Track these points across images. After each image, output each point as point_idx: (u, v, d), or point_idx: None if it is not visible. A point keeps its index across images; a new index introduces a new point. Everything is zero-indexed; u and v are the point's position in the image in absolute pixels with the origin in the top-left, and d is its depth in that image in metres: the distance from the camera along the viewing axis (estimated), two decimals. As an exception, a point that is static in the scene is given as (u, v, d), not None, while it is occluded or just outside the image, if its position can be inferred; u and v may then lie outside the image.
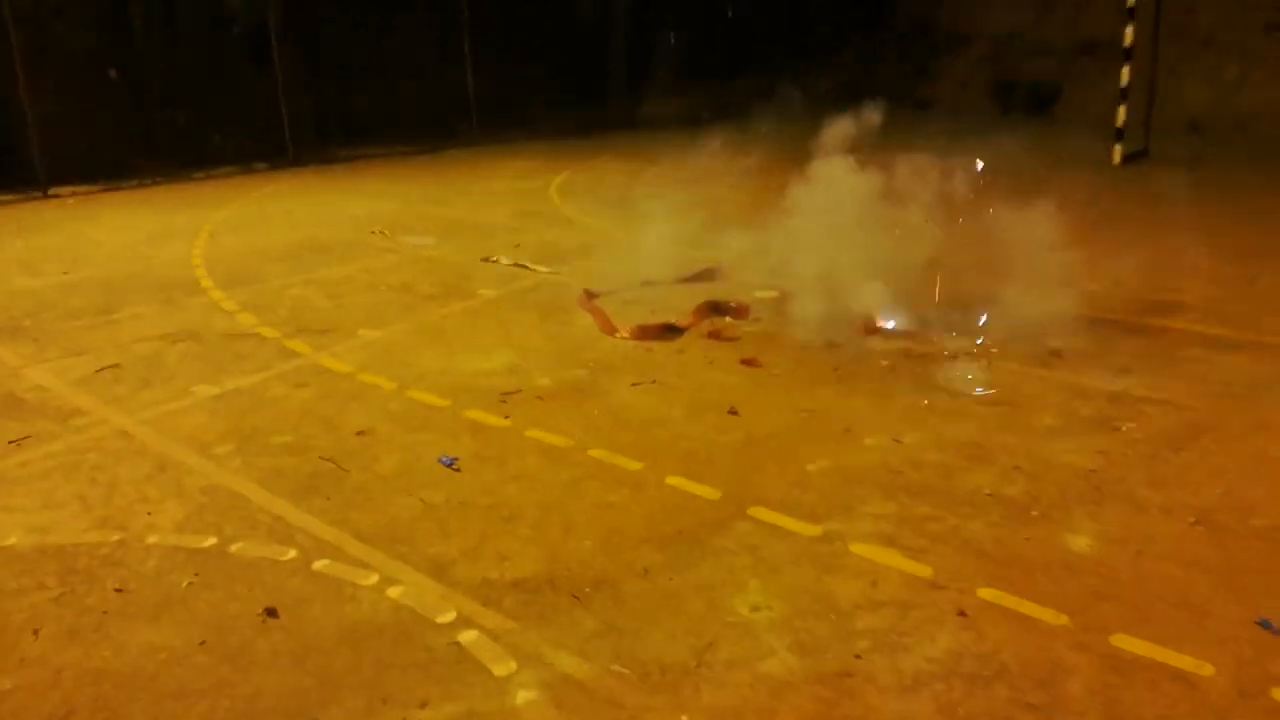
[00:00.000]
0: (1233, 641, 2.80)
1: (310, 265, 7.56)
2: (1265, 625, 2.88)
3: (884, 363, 5.14)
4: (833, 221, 5.84)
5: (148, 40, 13.26)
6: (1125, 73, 11.35)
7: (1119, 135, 11.59)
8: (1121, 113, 11.54)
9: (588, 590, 3.11)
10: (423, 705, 2.60)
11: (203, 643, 2.90)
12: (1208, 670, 2.68)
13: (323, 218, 9.61)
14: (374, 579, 3.21)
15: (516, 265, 7.33)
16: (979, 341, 5.36)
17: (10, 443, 4.39)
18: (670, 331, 5.63)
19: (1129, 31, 11.28)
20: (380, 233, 8.67)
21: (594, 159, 13.10)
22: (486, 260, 7.53)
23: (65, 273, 7.50)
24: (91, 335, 5.94)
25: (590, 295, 6.35)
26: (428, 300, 6.53)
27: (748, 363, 5.13)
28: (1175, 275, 6.57)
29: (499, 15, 15.66)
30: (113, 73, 12.91)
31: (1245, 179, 10.81)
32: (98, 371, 5.28)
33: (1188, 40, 14.91)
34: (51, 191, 11.61)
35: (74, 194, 11.65)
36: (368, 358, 5.39)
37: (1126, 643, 2.80)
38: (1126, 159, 11.61)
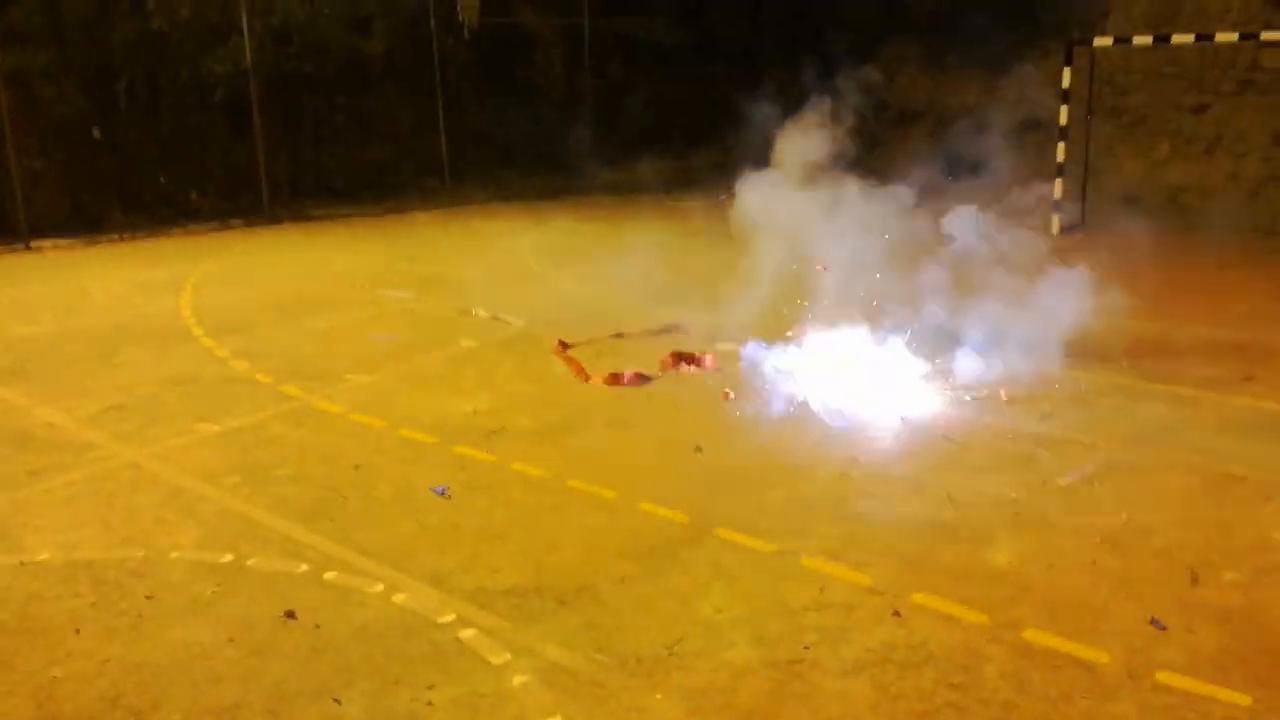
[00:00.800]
0: (1127, 636, 3.28)
1: (296, 316, 7.96)
2: (1156, 624, 3.36)
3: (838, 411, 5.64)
4: (788, 281, 6.39)
5: (131, 102, 13.71)
6: (1060, 149, 12.18)
7: (1057, 207, 12.38)
8: (1058, 186, 12.34)
9: (571, 595, 3.53)
10: (430, 687, 3.00)
11: (231, 639, 3.28)
12: (1104, 658, 3.15)
13: (303, 272, 10.03)
14: (380, 587, 3.60)
15: (494, 318, 7.79)
16: (923, 387, 5.88)
17: (30, 472, 4.74)
18: (640, 379, 6.10)
19: (1064, 111, 12.13)
20: (361, 286, 9.09)
21: (561, 220, 13.64)
22: (465, 313, 7.99)
23: (60, 321, 7.84)
24: (92, 379, 6.30)
25: (564, 345, 6.82)
26: (410, 349, 6.96)
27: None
28: (1100, 333, 7.16)
29: (471, 81, 16.31)
30: (96, 133, 13.33)
31: (1171, 248, 11.58)
32: (104, 411, 5.64)
33: (1122, 119, 15.87)
34: (33, 244, 11.92)
35: (55, 247, 11.97)
36: (358, 400, 5.80)
37: (1036, 636, 3.26)
38: (1064, 229, 12.38)
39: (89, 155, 13.21)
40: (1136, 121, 16.02)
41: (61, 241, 12.17)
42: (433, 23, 15.71)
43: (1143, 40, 12.29)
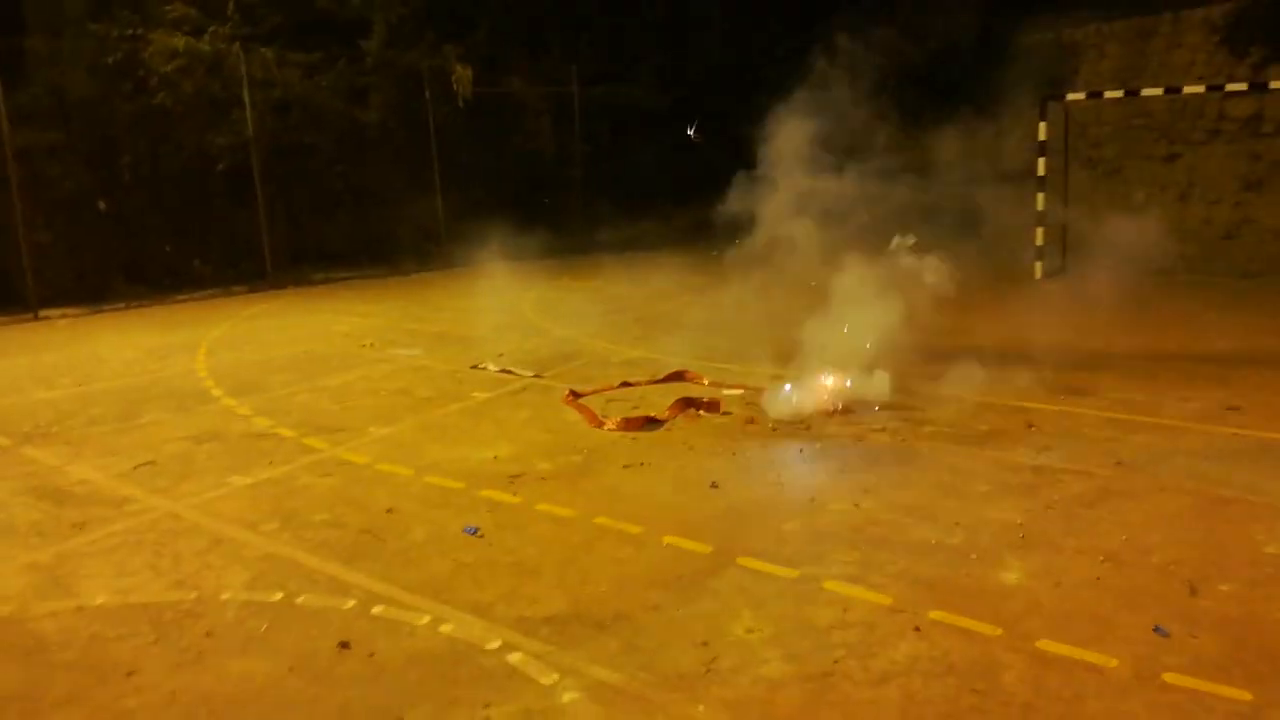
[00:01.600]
0: (1133, 643, 3.50)
1: (311, 374, 8.20)
2: (1160, 631, 3.59)
3: (845, 443, 5.89)
4: (785, 326, 6.69)
5: (135, 176, 14.06)
6: (1040, 199, 12.63)
7: (1039, 254, 12.79)
8: (1040, 234, 12.77)
9: (609, 621, 3.73)
10: (487, 705, 3.19)
11: (291, 669, 3.46)
12: (1113, 663, 3.37)
13: (312, 334, 10.28)
14: (426, 619, 3.80)
15: (503, 371, 8.04)
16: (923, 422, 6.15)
17: (73, 525, 4.92)
18: (651, 423, 6.34)
19: (1041, 162, 12.60)
20: (370, 345, 9.36)
21: (559, 278, 13.99)
22: (475, 367, 8.24)
23: (79, 385, 8.05)
24: (119, 439, 6.49)
25: (575, 395, 7.06)
26: (426, 402, 7.19)
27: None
28: (1090, 371, 7.47)
29: (464, 147, 16.75)
30: (101, 205, 13.65)
31: (1149, 290, 11.97)
32: (135, 468, 5.83)
33: (1098, 169, 16.40)
34: (41, 314, 12.15)
35: (64, 316, 12.20)
36: (382, 450, 6.01)
37: (1049, 646, 3.48)
38: (1047, 275, 12.78)
39: (94, 227, 13.51)
40: (1112, 171, 16.53)
41: (69, 310, 12.42)
42: (427, 93, 16.18)
43: (1113, 94, 12.80)
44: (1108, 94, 12.84)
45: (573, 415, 6.70)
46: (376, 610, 3.88)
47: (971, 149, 18.48)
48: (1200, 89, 12.38)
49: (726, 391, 7.05)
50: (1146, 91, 12.54)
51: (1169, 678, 3.25)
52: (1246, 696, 3.13)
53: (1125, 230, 15.63)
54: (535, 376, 7.87)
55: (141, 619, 3.88)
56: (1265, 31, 13.69)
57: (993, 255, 14.71)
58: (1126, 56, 15.53)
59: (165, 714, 3.22)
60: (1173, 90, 12.40)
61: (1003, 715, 3.07)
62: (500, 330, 10.16)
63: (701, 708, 3.15)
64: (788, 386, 6.57)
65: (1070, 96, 13.32)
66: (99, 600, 4.06)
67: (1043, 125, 12.63)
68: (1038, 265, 12.73)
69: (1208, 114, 14.61)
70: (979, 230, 17.56)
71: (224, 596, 4.06)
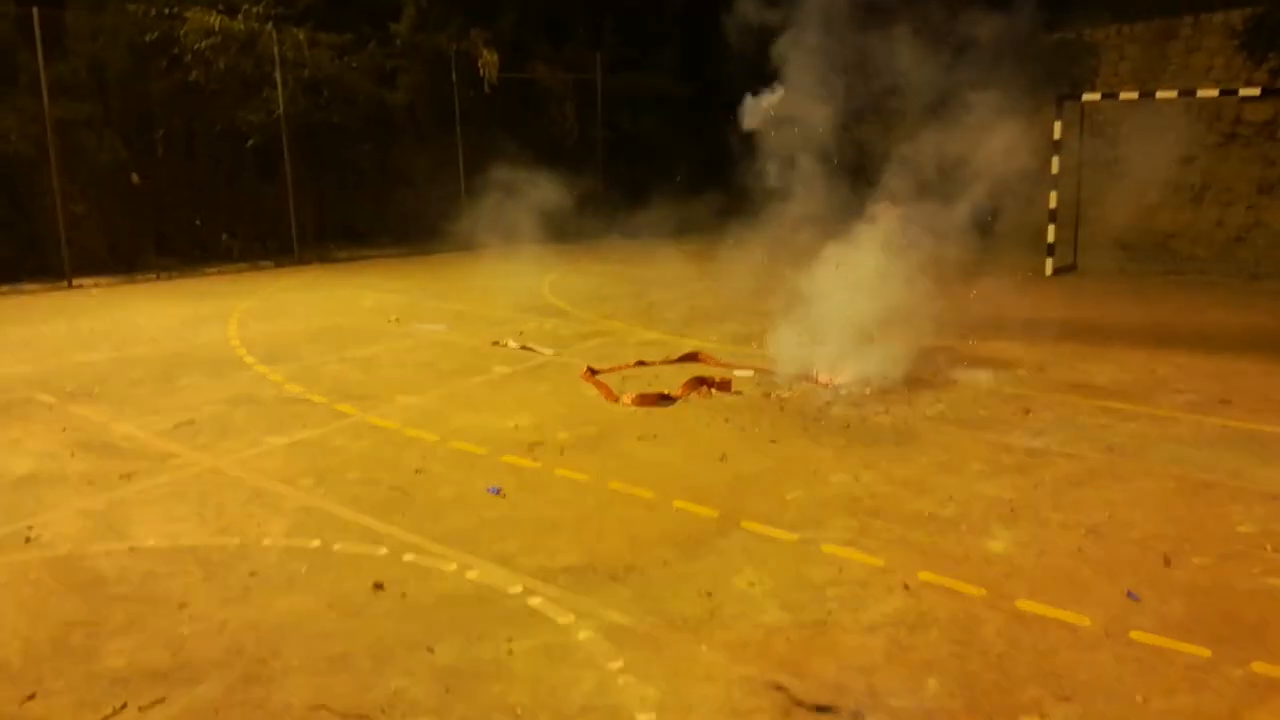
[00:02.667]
0: (1106, 605, 3.79)
1: (339, 346, 8.53)
2: (1132, 596, 3.87)
3: (846, 424, 6.18)
4: (799, 310, 6.98)
5: (168, 150, 14.42)
6: (1053, 197, 12.85)
7: (1050, 251, 13.02)
8: (1051, 231, 12.99)
9: (621, 572, 4.04)
10: (509, 640, 3.50)
11: (330, 605, 3.79)
12: (1086, 621, 3.65)
13: (339, 308, 10.62)
14: (454, 566, 4.11)
15: (524, 348, 8.35)
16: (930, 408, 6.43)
17: (121, 476, 5.26)
18: (665, 400, 6.64)
19: (1055, 161, 12.80)
20: (396, 320, 9.68)
21: (578, 261, 14.29)
22: (496, 344, 8.55)
23: (116, 350, 8.40)
24: (159, 399, 6.83)
25: (593, 371, 7.37)
26: (451, 375, 7.51)
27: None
28: (1091, 363, 7.73)
29: (489, 131, 17.04)
30: (135, 178, 14.01)
31: (1158, 288, 12.21)
32: (176, 426, 6.17)
33: (1114, 169, 16.57)
34: (75, 282, 12.53)
35: (96, 285, 12.57)
36: (409, 417, 6.33)
37: (1027, 605, 3.77)
38: (1058, 271, 13.01)
39: (127, 199, 13.88)
40: (1127, 171, 16.66)
41: (101, 280, 12.79)
42: (454, 76, 16.48)
43: (1128, 95, 12.98)
44: (1123, 95, 13.02)
45: (590, 390, 7.00)
46: (408, 558, 4.20)
47: (988, 145, 18.70)
48: (1214, 93, 12.54)
49: (738, 372, 7.33)
50: (1161, 94, 12.72)
51: (1136, 635, 3.54)
52: (1206, 654, 3.42)
53: (1137, 230, 15.85)
54: (554, 354, 8.17)
55: (190, 560, 4.21)
56: (1283, 37, 13.85)
57: (1005, 252, 14.98)
58: (1146, 58, 15.70)
59: (216, 640, 3.54)
60: (1187, 93, 12.58)
61: (980, 662, 3.36)
62: (521, 309, 10.47)
63: (704, 647, 3.46)
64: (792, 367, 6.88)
65: (1086, 97, 13.50)
66: (150, 542, 4.40)
67: (1058, 124, 12.83)
68: (1048, 262, 12.96)
69: (1225, 118, 14.79)
70: (993, 227, 17.84)
71: (266, 542, 4.38)
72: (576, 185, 18.76)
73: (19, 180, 12.73)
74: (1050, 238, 13.00)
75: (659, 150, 19.53)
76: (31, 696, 3.18)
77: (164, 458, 5.57)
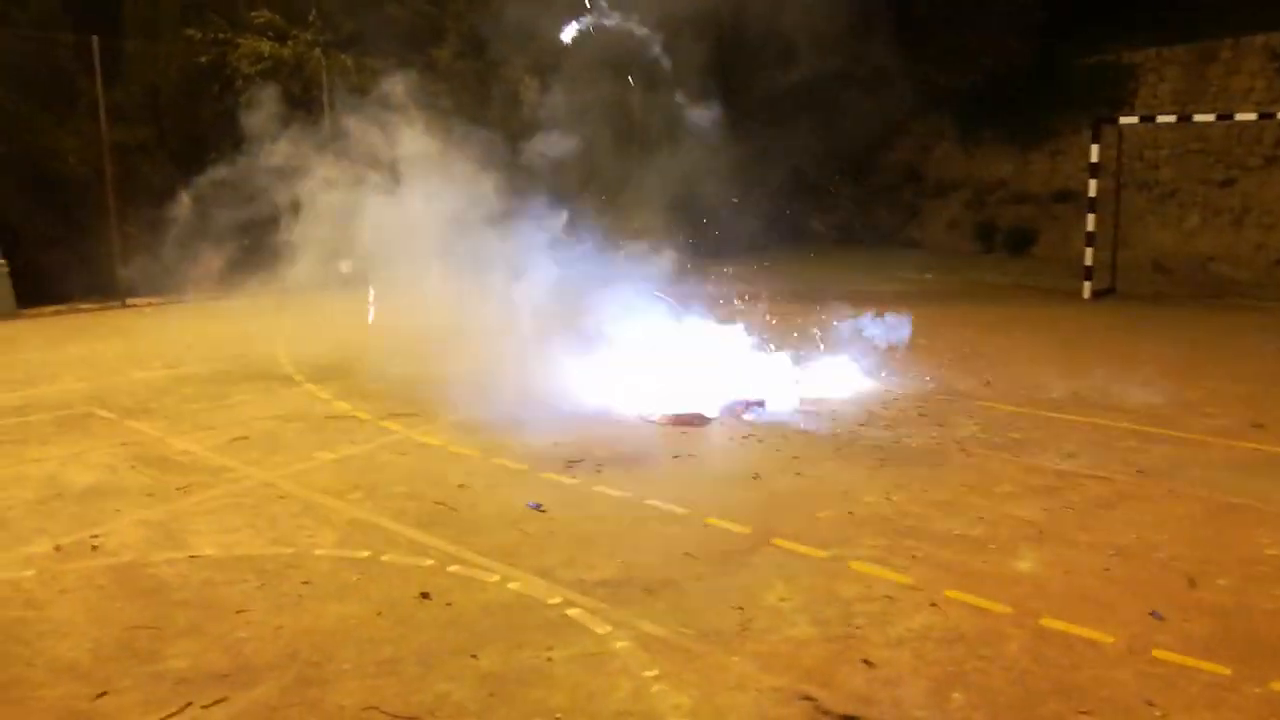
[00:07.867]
0: (1130, 624, 3.88)
1: (385, 365, 8.76)
2: (1156, 616, 3.96)
3: (878, 449, 6.30)
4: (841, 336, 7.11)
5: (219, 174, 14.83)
6: (1091, 220, 12.88)
7: (1088, 274, 13.03)
8: (1089, 254, 13.01)
9: (656, 586, 4.20)
10: (549, 648, 3.67)
11: (379, 613, 3.97)
12: (1109, 639, 3.75)
13: (383, 329, 10.88)
14: (496, 577, 4.29)
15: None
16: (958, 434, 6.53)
17: (178, 489, 5.50)
18: (700, 420, 6.79)
19: (1093, 184, 12.84)
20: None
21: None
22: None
23: (170, 368, 8.71)
24: (212, 415, 7.10)
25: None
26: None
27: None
28: (1123, 386, 7.78)
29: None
30: (186, 200, 14.42)
31: (1195, 313, 12.17)
32: (230, 441, 6.42)
33: (1153, 192, 16.54)
34: (129, 302, 12.93)
35: (149, 304, 12.97)
36: (453, 435, 6.54)
37: (1052, 623, 3.88)
38: (1095, 294, 13.01)
39: (179, 223, 14.28)
40: (1166, 194, 16.63)
41: (154, 299, 13.18)
42: (494, 101, 16.81)
43: (1165, 118, 13.00)
44: (1160, 118, 13.04)
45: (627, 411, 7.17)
46: (452, 569, 4.39)
47: (1025, 168, 18.73)
48: (1253, 116, 12.53)
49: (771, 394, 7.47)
50: (1199, 117, 12.73)
51: (1158, 653, 3.64)
52: (1226, 672, 3.51)
53: (1177, 253, 15.80)
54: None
55: (246, 568, 4.43)
56: (1324, 60, 13.80)
57: (1043, 274, 15.00)
58: (1185, 80, 15.67)
59: (272, 644, 3.74)
60: (1225, 117, 12.57)
61: (1003, 677, 3.48)
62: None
63: (735, 658, 3.60)
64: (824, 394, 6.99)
65: (1123, 120, 13.53)
66: (208, 552, 4.62)
67: (1095, 147, 12.86)
68: (1086, 285, 12.96)
69: (1266, 140, 14.73)
70: (1031, 249, 17.85)
71: (318, 552, 4.59)
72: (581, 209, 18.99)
73: (76, 201, 13.17)
74: (1088, 260, 13.01)
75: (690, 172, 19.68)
76: (103, 694, 3.39)
77: (218, 471, 5.81)
